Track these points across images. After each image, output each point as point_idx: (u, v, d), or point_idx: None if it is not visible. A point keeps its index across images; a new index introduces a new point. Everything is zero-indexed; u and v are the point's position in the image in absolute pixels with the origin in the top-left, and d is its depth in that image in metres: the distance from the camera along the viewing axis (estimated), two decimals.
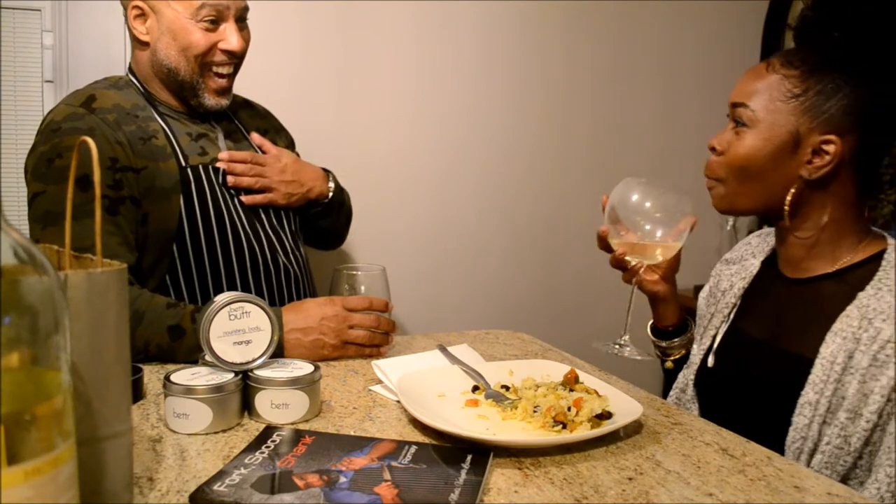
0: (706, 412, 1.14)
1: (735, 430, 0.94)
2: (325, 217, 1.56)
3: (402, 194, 2.23)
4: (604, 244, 1.13)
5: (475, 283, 2.33)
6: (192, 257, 1.32)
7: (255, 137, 1.47)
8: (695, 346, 1.21)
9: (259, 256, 1.38)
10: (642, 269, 1.15)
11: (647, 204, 1.07)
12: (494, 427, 0.90)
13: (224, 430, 0.89)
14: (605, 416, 0.89)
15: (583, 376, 1.03)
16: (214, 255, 1.33)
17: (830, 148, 1.00)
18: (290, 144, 1.62)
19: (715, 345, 1.15)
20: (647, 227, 1.07)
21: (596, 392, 0.98)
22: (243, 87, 1.55)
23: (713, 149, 1.10)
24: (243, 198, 1.39)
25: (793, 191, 1.03)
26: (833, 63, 1.01)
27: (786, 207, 1.04)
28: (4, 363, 0.46)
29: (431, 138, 2.25)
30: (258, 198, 1.40)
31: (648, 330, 1.28)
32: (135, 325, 1.13)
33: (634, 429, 0.91)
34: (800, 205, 1.04)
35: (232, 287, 1.35)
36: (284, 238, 1.45)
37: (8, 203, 1.74)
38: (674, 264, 1.21)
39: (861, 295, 0.98)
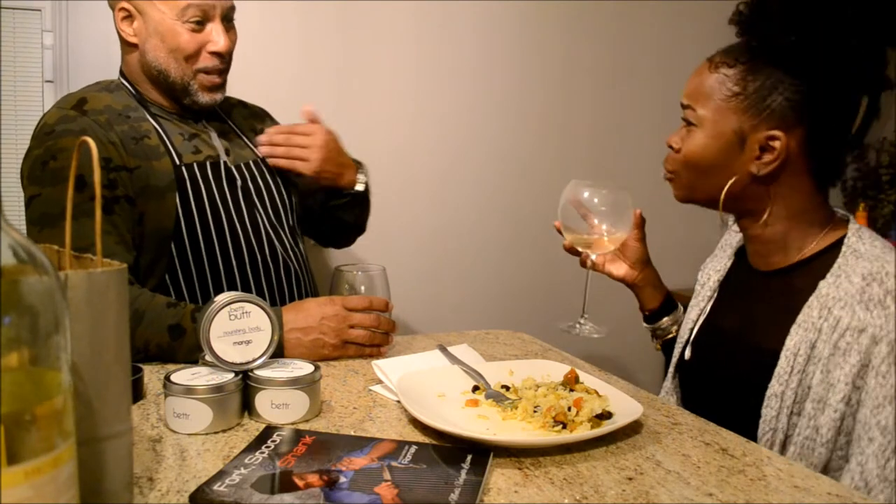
0: (686, 403, 1.17)
1: (712, 421, 0.95)
2: (350, 209, 1.56)
3: (402, 194, 2.23)
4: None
5: (475, 283, 2.33)
6: (191, 256, 1.32)
7: (308, 108, 1.48)
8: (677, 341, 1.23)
9: (258, 253, 1.38)
10: (597, 257, 1.26)
11: (595, 200, 1.19)
12: (494, 427, 0.90)
13: (224, 430, 0.89)
14: (605, 416, 0.89)
15: (583, 376, 1.03)
16: (213, 252, 1.33)
17: (776, 144, 1.00)
18: None
19: (692, 337, 1.17)
20: (595, 220, 1.20)
21: (596, 392, 0.98)
22: (243, 87, 1.55)
23: (670, 146, 1.12)
24: (270, 160, 1.41)
25: (730, 185, 1.03)
26: (770, 58, 1.00)
27: (721, 201, 1.05)
28: (4, 363, 0.46)
29: (431, 138, 2.25)
30: (281, 162, 1.43)
31: (642, 320, 1.33)
32: (135, 325, 1.13)
33: (634, 429, 0.91)
34: (755, 199, 1.05)
35: (232, 284, 1.35)
36: (283, 234, 1.45)
37: (8, 203, 1.74)
38: (637, 252, 1.27)
39: (821, 284, 0.98)
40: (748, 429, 0.97)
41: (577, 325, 1.22)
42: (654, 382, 2.50)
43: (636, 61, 2.47)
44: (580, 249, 1.25)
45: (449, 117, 2.26)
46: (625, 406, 0.93)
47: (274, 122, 1.62)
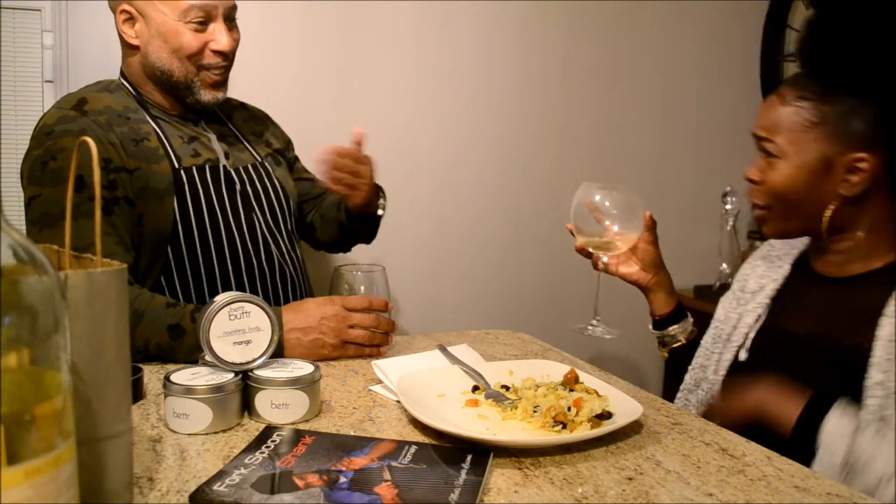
0: None
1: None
2: (366, 229, 1.57)
3: (402, 194, 2.23)
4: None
5: (475, 283, 2.33)
6: (187, 259, 1.32)
7: (359, 131, 1.41)
8: (724, 353, 1.22)
9: (254, 258, 1.38)
10: (609, 259, 1.26)
11: (606, 202, 1.20)
12: (494, 427, 0.90)
13: (224, 430, 0.89)
14: (605, 416, 0.89)
15: (583, 376, 1.03)
16: (209, 256, 1.33)
17: (863, 165, 1.04)
18: (287, 146, 1.62)
19: (747, 342, 1.18)
20: (606, 222, 1.20)
21: (596, 392, 0.98)
22: (243, 87, 1.55)
23: (751, 180, 1.14)
24: (322, 179, 1.36)
25: (830, 209, 1.07)
26: (844, 86, 1.04)
27: (823, 226, 1.08)
28: (4, 363, 0.46)
29: (431, 138, 2.25)
30: (337, 186, 1.38)
31: (650, 325, 1.33)
32: (135, 325, 1.13)
33: (634, 429, 0.91)
34: (844, 218, 1.08)
35: (227, 288, 1.35)
36: (280, 239, 1.45)
37: (8, 203, 1.74)
38: (648, 255, 1.26)
39: None
40: (808, 430, 0.98)
41: (590, 327, 1.23)
42: (654, 382, 2.50)
43: (636, 61, 2.47)
44: (591, 251, 1.25)
45: (449, 117, 2.26)
46: (625, 406, 0.93)
47: (275, 125, 1.62)
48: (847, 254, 1.10)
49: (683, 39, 2.53)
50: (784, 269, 1.21)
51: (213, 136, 1.42)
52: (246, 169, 1.43)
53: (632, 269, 1.28)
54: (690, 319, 1.31)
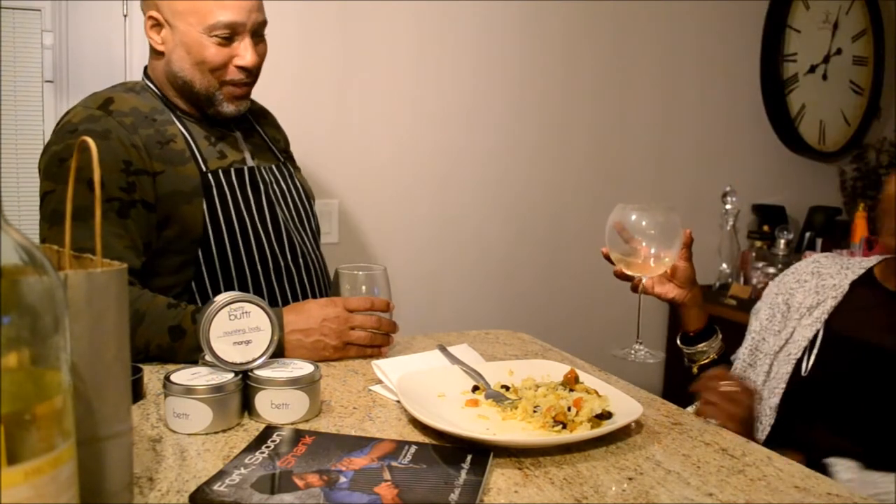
0: (805, 419, 1.18)
1: (847, 437, 0.99)
2: None
3: (403, 194, 2.23)
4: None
5: (475, 283, 2.33)
6: (217, 260, 1.31)
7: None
8: (779, 368, 1.23)
9: (280, 258, 1.38)
10: (646, 280, 1.23)
11: (643, 223, 1.17)
12: (494, 427, 0.90)
13: (224, 430, 0.89)
14: (605, 416, 0.89)
15: (583, 376, 1.03)
16: (239, 256, 1.33)
17: None
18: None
19: (811, 356, 1.20)
20: (644, 243, 1.17)
21: (596, 392, 0.98)
22: None
23: None
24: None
25: None
26: None
27: None
28: (4, 363, 0.46)
29: (432, 139, 2.25)
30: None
31: (678, 339, 1.31)
32: (135, 325, 1.13)
33: (634, 429, 0.91)
34: None
35: (257, 289, 1.34)
36: (306, 237, 1.46)
37: (8, 203, 1.74)
38: (686, 272, 1.25)
39: None
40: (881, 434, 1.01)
41: (633, 352, 1.21)
42: (654, 383, 2.50)
43: (636, 61, 2.47)
44: (630, 273, 1.22)
45: (449, 118, 2.26)
46: (625, 406, 0.93)
47: (286, 143, 1.61)
48: None
49: (683, 39, 2.53)
50: (842, 287, 1.23)
51: (239, 136, 1.42)
52: (270, 169, 1.43)
53: (667, 286, 1.26)
54: (720, 336, 1.30)
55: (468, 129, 2.28)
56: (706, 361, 1.28)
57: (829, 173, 2.87)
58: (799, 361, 1.21)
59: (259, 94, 1.67)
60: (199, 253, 1.31)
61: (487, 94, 2.30)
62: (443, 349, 1.16)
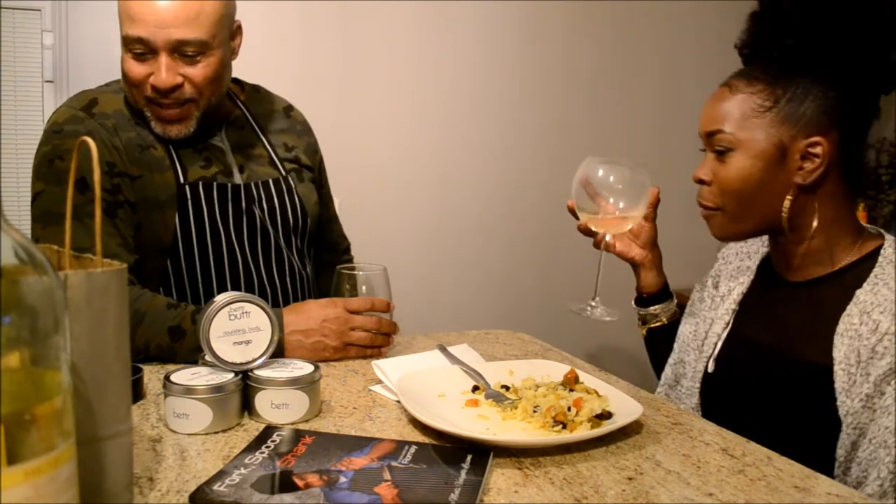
0: (709, 415, 1.13)
1: (741, 433, 0.93)
2: None
3: (403, 194, 2.23)
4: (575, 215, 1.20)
5: (475, 283, 2.33)
6: (185, 271, 1.30)
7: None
8: (696, 364, 1.19)
9: (255, 276, 1.34)
10: (610, 238, 1.21)
11: (611, 178, 1.14)
12: (494, 427, 0.90)
13: (224, 430, 0.89)
14: (605, 416, 0.89)
15: (583, 376, 1.03)
16: (207, 271, 1.31)
17: (818, 150, 1.01)
18: (318, 167, 1.55)
19: (716, 351, 1.15)
20: (611, 199, 1.14)
21: (596, 392, 0.98)
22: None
23: (701, 181, 1.10)
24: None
25: (788, 200, 1.03)
26: (795, 68, 1.01)
27: (784, 217, 1.04)
28: (4, 363, 0.46)
29: (432, 138, 2.25)
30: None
31: (633, 300, 1.31)
32: (135, 325, 1.13)
33: (634, 429, 0.91)
34: (800, 212, 1.04)
35: None
36: (289, 257, 1.40)
37: (8, 203, 1.74)
38: (649, 232, 1.24)
39: (858, 292, 0.98)
40: (787, 440, 0.95)
41: (589, 308, 1.18)
42: (654, 383, 2.50)
43: (636, 61, 2.47)
44: (594, 229, 1.21)
45: (449, 117, 2.26)
46: (625, 406, 0.93)
47: (312, 139, 1.52)
48: (807, 255, 1.06)
49: (683, 39, 2.53)
50: (752, 271, 1.17)
51: (227, 148, 1.37)
52: (265, 184, 1.37)
53: (629, 246, 1.25)
54: (675, 301, 1.29)
55: (468, 129, 2.28)
56: (656, 325, 1.28)
57: None
58: (710, 358, 1.16)
59: None
60: (168, 263, 1.30)
61: (487, 94, 2.30)
62: (443, 349, 1.16)
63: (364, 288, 1.26)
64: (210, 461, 0.80)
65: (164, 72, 1.21)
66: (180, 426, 0.88)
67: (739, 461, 0.83)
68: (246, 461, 0.77)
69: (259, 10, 1.97)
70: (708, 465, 0.82)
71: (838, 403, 0.96)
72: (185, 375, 0.91)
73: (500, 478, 0.77)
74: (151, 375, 1.09)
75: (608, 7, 2.40)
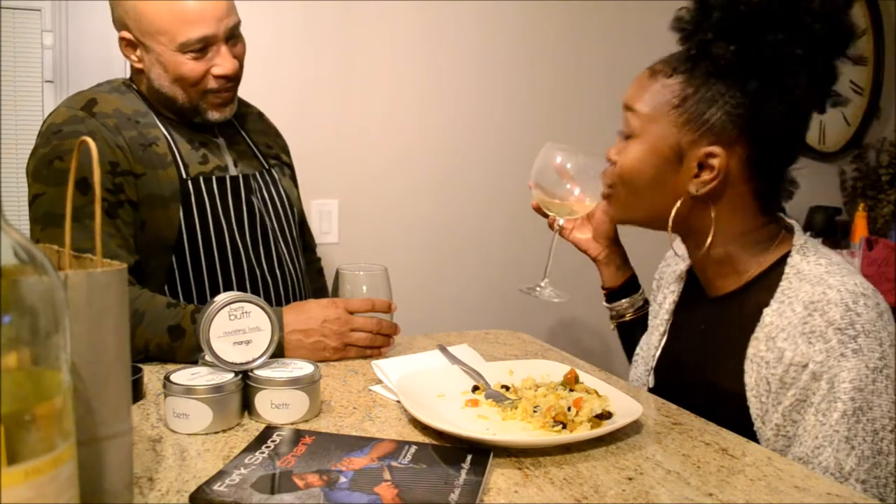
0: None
1: None
2: None
3: (403, 194, 2.23)
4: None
5: (475, 283, 2.33)
6: (191, 267, 1.32)
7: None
8: (642, 365, 1.17)
9: (257, 269, 1.38)
10: (565, 223, 1.23)
11: (568, 165, 1.17)
12: (494, 427, 0.90)
13: (224, 430, 0.89)
14: (605, 416, 0.89)
15: (583, 376, 1.03)
16: (212, 265, 1.33)
17: (715, 161, 0.94)
18: (292, 169, 1.59)
19: (654, 364, 1.14)
20: (567, 185, 1.17)
21: (596, 392, 0.98)
22: (243, 87, 1.54)
23: (609, 159, 1.05)
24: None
25: (678, 206, 0.97)
26: (710, 69, 0.93)
27: (669, 224, 0.98)
28: (4, 363, 0.46)
29: (432, 139, 2.25)
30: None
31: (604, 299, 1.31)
32: (135, 325, 1.13)
33: (634, 429, 0.91)
34: (697, 221, 0.99)
35: None
36: (285, 246, 1.45)
37: (8, 203, 1.74)
38: (602, 225, 1.23)
39: (766, 311, 0.93)
40: None
41: (538, 289, 1.19)
42: None
43: (637, 62, 2.47)
44: (546, 211, 1.21)
45: (450, 118, 2.26)
46: (625, 406, 0.93)
47: (285, 143, 1.58)
48: (712, 267, 1.01)
49: None
50: (682, 279, 1.13)
51: (223, 143, 1.41)
52: (255, 177, 1.42)
53: (584, 237, 1.24)
54: (641, 296, 1.26)
55: (468, 129, 2.28)
56: (622, 321, 1.27)
57: (829, 173, 2.87)
58: (650, 373, 1.14)
59: (259, 95, 1.68)
60: (173, 259, 1.30)
61: (488, 95, 2.30)
62: (443, 349, 1.16)
63: (365, 288, 1.26)
64: (210, 461, 0.80)
65: (229, 59, 1.30)
66: (180, 426, 0.88)
67: (739, 461, 0.83)
68: (246, 461, 0.77)
69: (259, 10, 1.97)
70: (708, 465, 0.82)
71: (755, 429, 0.94)
72: (185, 375, 0.91)
73: (500, 478, 0.77)
74: (151, 375, 1.09)
75: (612, 9, 2.40)
